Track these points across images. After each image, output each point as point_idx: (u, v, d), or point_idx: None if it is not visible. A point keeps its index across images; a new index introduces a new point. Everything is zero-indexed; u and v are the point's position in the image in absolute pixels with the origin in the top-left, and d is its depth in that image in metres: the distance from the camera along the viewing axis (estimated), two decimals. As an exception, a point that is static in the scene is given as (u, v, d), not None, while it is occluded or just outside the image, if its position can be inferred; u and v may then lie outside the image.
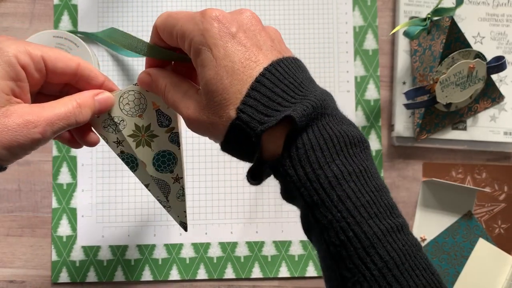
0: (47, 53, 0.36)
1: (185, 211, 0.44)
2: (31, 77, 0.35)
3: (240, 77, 0.31)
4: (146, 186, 0.42)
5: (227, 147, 0.33)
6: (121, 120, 0.40)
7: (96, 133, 0.40)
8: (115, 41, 0.43)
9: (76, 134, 0.40)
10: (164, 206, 0.43)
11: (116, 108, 0.39)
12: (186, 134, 0.58)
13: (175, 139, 0.41)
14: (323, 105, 0.32)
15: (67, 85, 0.39)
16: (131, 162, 0.41)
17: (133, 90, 0.39)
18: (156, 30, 0.36)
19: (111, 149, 0.41)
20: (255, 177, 0.33)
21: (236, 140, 0.32)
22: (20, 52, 0.34)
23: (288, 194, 0.33)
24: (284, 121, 0.30)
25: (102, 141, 0.41)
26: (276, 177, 0.33)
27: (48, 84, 0.38)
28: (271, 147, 0.32)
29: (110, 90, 0.39)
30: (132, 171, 0.42)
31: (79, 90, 0.39)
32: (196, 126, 0.34)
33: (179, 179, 0.42)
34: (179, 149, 0.41)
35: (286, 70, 0.32)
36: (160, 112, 0.40)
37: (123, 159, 0.41)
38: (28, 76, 0.35)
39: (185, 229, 0.45)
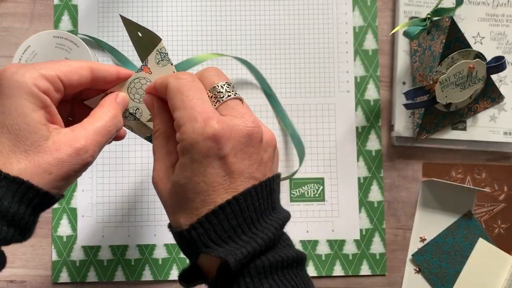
0: (60, 69, 0.35)
1: None
2: (53, 99, 0.35)
3: (204, 198, 0.33)
4: None
5: (172, 233, 0.36)
6: (136, 109, 0.40)
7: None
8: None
9: None
10: None
11: (128, 100, 0.40)
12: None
13: None
14: (269, 244, 0.33)
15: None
16: None
17: (137, 78, 0.40)
18: (161, 88, 0.36)
19: (137, 137, 0.42)
20: (186, 281, 0.35)
21: (182, 241, 0.34)
22: (37, 79, 0.33)
23: None
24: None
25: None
26: None
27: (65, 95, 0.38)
28: (206, 263, 0.34)
29: (127, 77, 0.39)
30: None
31: (95, 90, 0.39)
32: (157, 188, 0.37)
33: None
34: None
35: (251, 203, 0.33)
36: None
37: (150, 142, 0.42)
38: (51, 99, 0.34)
39: None
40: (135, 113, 0.40)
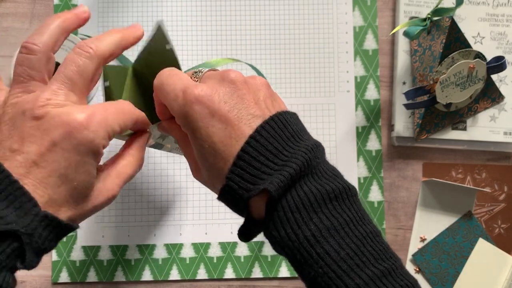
0: (121, 119, 0.36)
1: None
2: None
3: (222, 156, 0.34)
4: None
5: (223, 201, 0.36)
6: (164, 138, 0.44)
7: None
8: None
9: None
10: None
11: (156, 136, 0.42)
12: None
13: None
14: (305, 167, 0.33)
15: None
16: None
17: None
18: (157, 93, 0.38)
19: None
20: (245, 235, 0.36)
21: (229, 199, 0.35)
22: (104, 139, 0.34)
23: (278, 251, 0.35)
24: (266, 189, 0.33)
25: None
26: (265, 236, 0.35)
27: None
28: (258, 210, 0.34)
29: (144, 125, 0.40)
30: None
31: None
32: (199, 179, 0.39)
33: None
34: None
35: (269, 136, 0.34)
36: None
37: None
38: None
39: None
40: (163, 144, 0.43)
